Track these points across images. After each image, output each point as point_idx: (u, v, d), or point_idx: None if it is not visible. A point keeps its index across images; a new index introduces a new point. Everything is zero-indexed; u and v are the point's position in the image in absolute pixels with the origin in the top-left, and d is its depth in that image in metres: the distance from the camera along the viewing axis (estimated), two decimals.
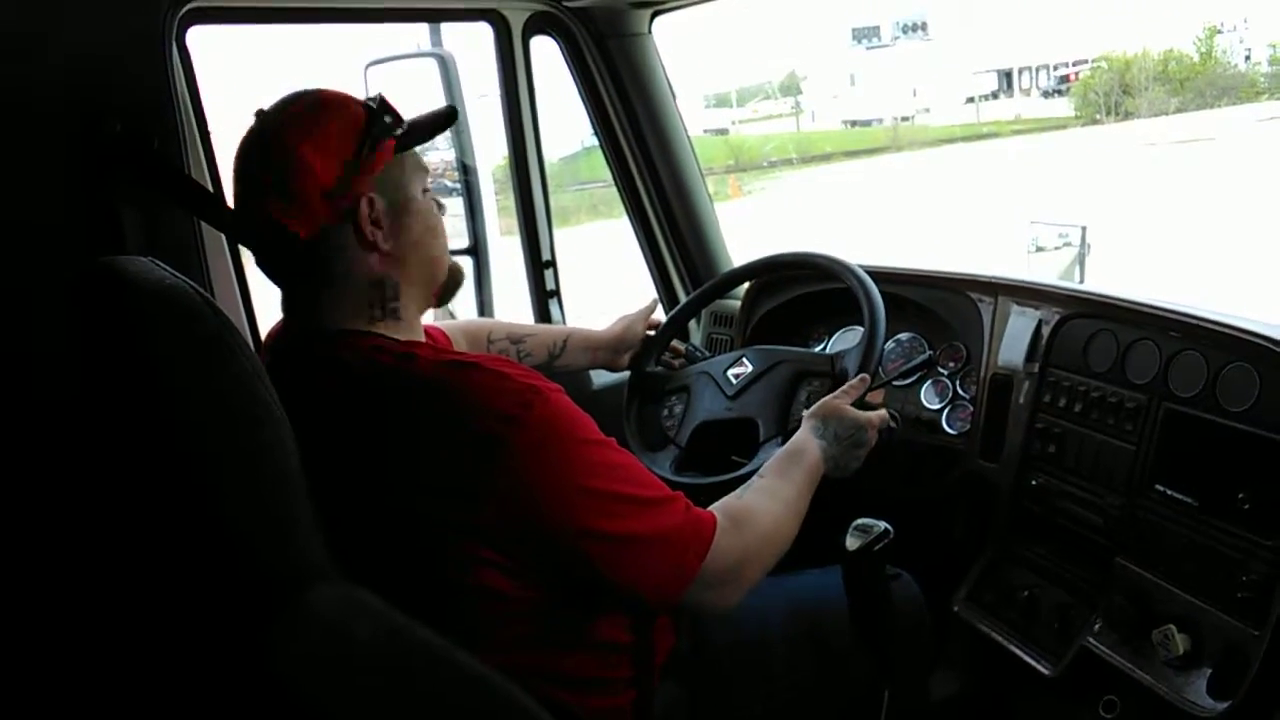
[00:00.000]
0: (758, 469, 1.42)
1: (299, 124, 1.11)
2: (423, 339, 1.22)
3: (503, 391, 1.07)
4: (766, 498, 1.29)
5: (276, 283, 1.19)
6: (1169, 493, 1.36)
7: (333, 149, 1.10)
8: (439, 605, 1.04)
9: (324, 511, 0.96)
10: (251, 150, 1.13)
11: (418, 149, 1.22)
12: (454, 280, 1.28)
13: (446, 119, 1.25)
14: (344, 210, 1.11)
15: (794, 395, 1.62)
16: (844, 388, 1.49)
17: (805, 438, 1.41)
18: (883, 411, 1.48)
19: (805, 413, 1.47)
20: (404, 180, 1.17)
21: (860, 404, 1.49)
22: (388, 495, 1.08)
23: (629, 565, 1.11)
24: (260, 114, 1.14)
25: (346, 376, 1.12)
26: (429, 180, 1.23)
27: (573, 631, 1.18)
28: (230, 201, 1.16)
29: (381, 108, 1.16)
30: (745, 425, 1.64)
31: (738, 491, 1.29)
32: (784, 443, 1.52)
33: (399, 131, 1.17)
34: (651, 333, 1.84)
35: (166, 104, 1.48)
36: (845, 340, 1.99)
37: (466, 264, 2.25)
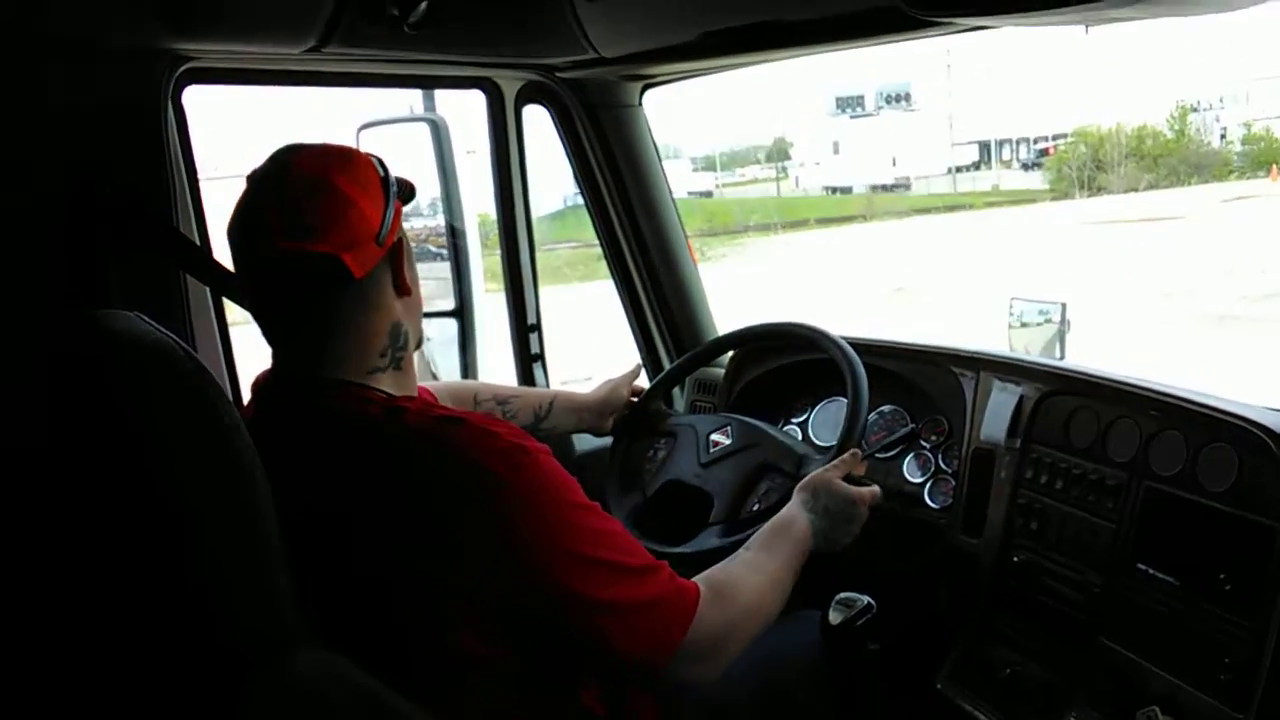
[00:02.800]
0: (690, 553, 1.43)
1: (341, 167, 1.12)
2: (415, 395, 1.22)
3: (492, 450, 1.06)
4: (751, 571, 1.28)
5: (275, 330, 1.17)
6: (1150, 572, 1.36)
7: (372, 192, 1.13)
8: (416, 670, 1.03)
9: (304, 568, 0.95)
10: (291, 186, 1.10)
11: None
12: (420, 335, 1.29)
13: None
14: (387, 252, 1.14)
15: (754, 486, 1.63)
16: (836, 461, 1.49)
17: (795, 511, 1.41)
18: (875, 488, 1.48)
19: (797, 485, 1.46)
20: (399, 229, 1.18)
21: (852, 480, 1.49)
22: (370, 550, 1.07)
23: (611, 632, 1.10)
24: (290, 152, 1.14)
25: (334, 427, 1.11)
26: None
27: (552, 703, 1.16)
28: (233, 239, 1.14)
29: (380, 162, 1.19)
30: (705, 499, 1.64)
31: (723, 564, 1.28)
32: (726, 531, 1.53)
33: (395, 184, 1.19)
34: (635, 399, 1.84)
35: (160, 160, 1.50)
36: (828, 411, 2.00)
37: (452, 326, 2.26)
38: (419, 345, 1.26)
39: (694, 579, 1.20)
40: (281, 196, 1.10)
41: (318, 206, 1.08)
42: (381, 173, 1.16)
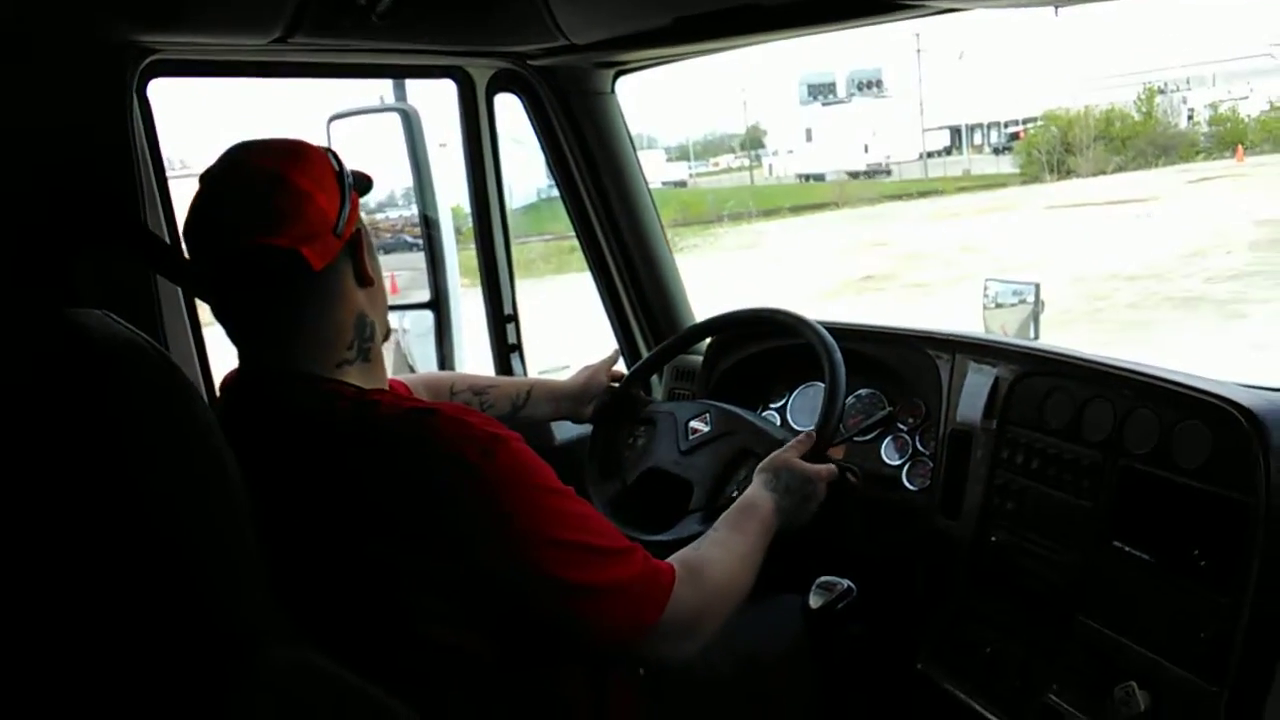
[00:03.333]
0: (670, 540, 1.44)
1: (295, 161, 1.11)
2: (386, 388, 1.21)
3: (464, 439, 1.06)
4: (722, 550, 1.29)
5: (239, 328, 1.16)
6: (1126, 549, 1.38)
7: (327, 185, 1.12)
8: (393, 662, 1.03)
9: (279, 563, 0.95)
10: (247, 183, 1.10)
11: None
12: (387, 328, 1.29)
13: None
14: (346, 243, 1.13)
15: (733, 473, 1.64)
16: (792, 442, 1.51)
17: (757, 491, 1.43)
18: (831, 465, 1.50)
19: (757, 467, 1.48)
20: (358, 220, 1.18)
21: (811, 459, 1.50)
22: (343, 543, 1.06)
23: (587, 615, 1.10)
24: (243, 149, 1.14)
25: (305, 422, 1.11)
26: None
27: (532, 691, 1.16)
28: (189, 239, 1.14)
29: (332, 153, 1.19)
30: (685, 486, 1.65)
31: (694, 544, 1.30)
32: (706, 518, 1.54)
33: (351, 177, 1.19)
34: (614, 385, 1.84)
35: (126, 155, 1.48)
36: (806, 396, 2.01)
37: (428, 318, 2.24)
38: (386, 337, 1.25)
39: (667, 559, 1.21)
40: (237, 193, 1.10)
41: (273, 201, 1.08)
42: (336, 166, 1.16)
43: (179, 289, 1.58)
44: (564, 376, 1.87)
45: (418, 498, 1.04)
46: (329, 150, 1.18)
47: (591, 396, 1.82)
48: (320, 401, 1.11)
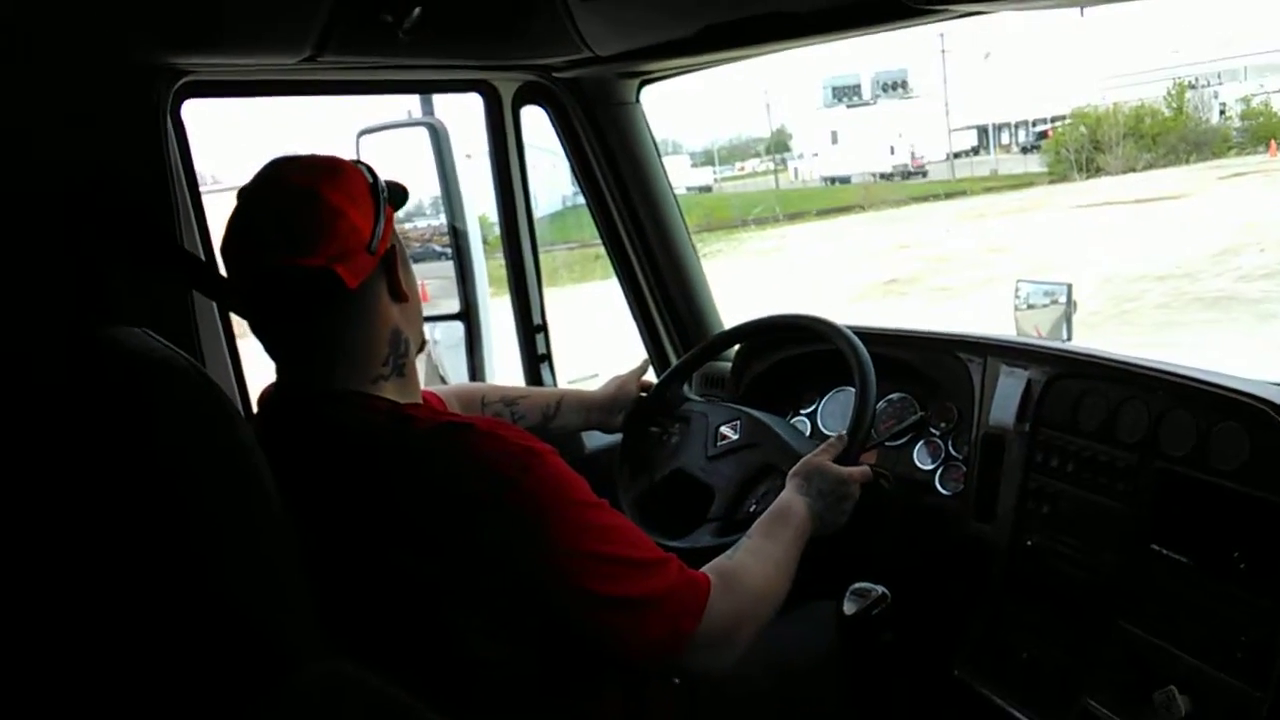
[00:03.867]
0: (683, 548, 1.46)
1: (329, 178, 1.12)
2: (420, 401, 1.22)
3: (500, 454, 1.07)
4: (756, 558, 1.29)
5: (275, 344, 1.17)
6: (1164, 552, 1.36)
7: (361, 201, 1.12)
8: (431, 676, 1.03)
9: (317, 577, 0.96)
10: (280, 200, 1.11)
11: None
12: (421, 340, 1.29)
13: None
14: (380, 260, 1.13)
15: (754, 487, 1.63)
16: (822, 446, 1.50)
17: (790, 496, 1.42)
18: (865, 467, 1.49)
19: (790, 471, 1.47)
20: (393, 234, 1.19)
21: (842, 463, 1.49)
22: (382, 559, 1.07)
23: (625, 628, 1.10)
24: (278, 166, 1.14)
25: (342, 438, 1.12)
26: None
27: (570, 705, 1.16)
28: (227, 256, 1.15)
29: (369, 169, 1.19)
30: (707, 492, 1.65)
31: (728, 552, 1.29)
32: (721, 530, 1.55)
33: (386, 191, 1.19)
34: (644, 394, 1.84)
35: (161, 175, 1.50)
36: (837, 401, 2.00)
37: (458, 329, 2.26)
38: (421, 349, 1.26)
39: (702, 569, 1.21)
40: (271, 211, 1.10)
41: (306, 219, 1.08)
42: (370, 180, 1.16)
43: (214, 306, 1.60)
44: (593, 386, 1.87)
45: (455, 513, 1.05)
46: (363, 165, 1.19)
47: (621, 406, 1.82)
48: (357, 417, 1.12)
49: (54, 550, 1.01)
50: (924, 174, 30.17)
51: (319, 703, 0.88)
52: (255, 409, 1.25)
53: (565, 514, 1.08)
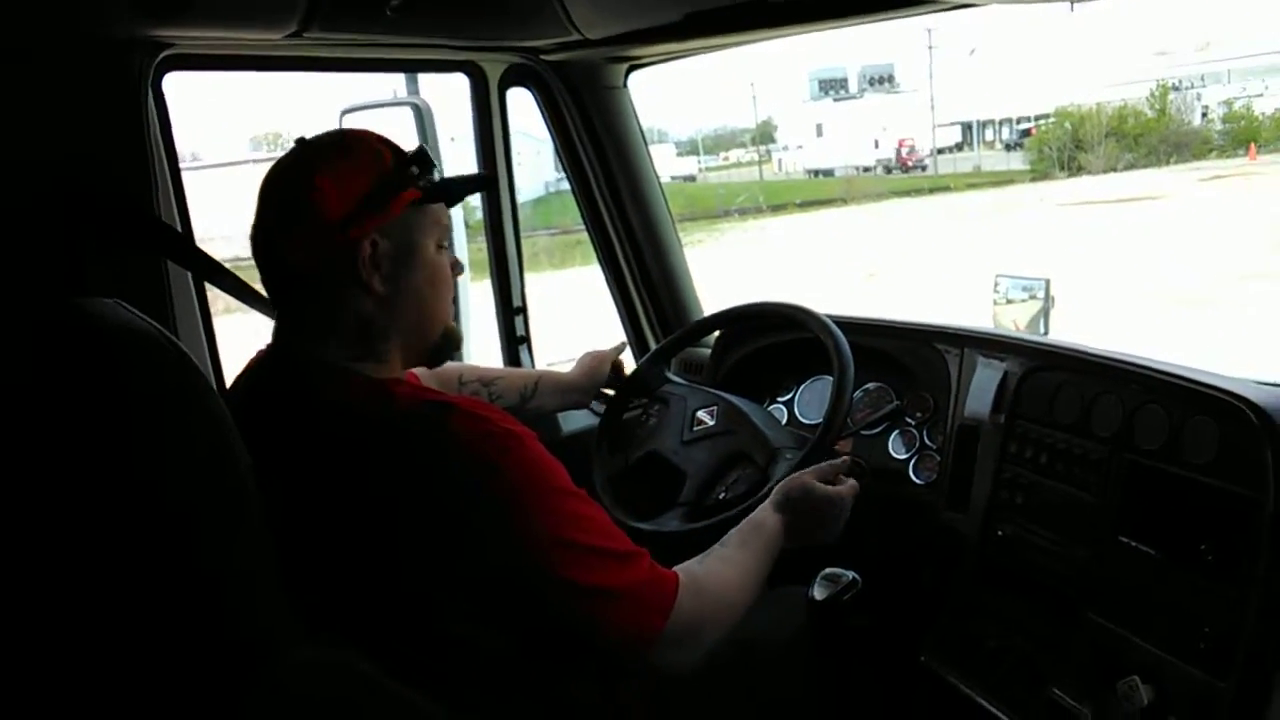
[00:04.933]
0: (648, 530, 1.51)
1: (324, 156, 1.14)
2: (402, 378, 1.22)
3: (482, 435, 1.07)
4: (725, 565, 1.31)
5: (277, 310, 1.21)
6: (1133, 544, 1.38)
7: (349, 185, 1.11)
8: (407, 656, 1.03)
9: (296, 555, 0.95)
10: (276, 174, 1.15)
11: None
12: (448, 342, 1.27)
13: (479, 183, 1.26)
14: (347, 245, 1.12)
15: (725, 474, 1.64)
16: (815, 467, 1.49)
17: (766, 511, 1.43)
18: (853, 481, 1.49)
19: (776, 484, 1.47)
20: (416, 229, 1.17)
21: (816, 454, 1.52)
22: (357, 534, 1.07)
23: (597, 617, 1.11)
24: (298, 143, 1.17)
25: (321, 409, 1.12)
26: (447, 238, 1.24)
27: (545, 688, 1.17)
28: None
29: (413, 159, 1.18)
30: (679, 476, 1.66)
31: (699, 556, 1.31)
32: (689, 515, 1.57)
33: (423, 184, 1.17)
34: (615, 376, 1.87)
35: (141, 149, 1.49)
36: (814, 389, 2.01)
37: None
38: (448, 350, 1.27)
39: (674, 568, 1.22)
40: (266, 187, 1.15)
41: (282, 189, 1.14)
42: (384, 165, 1.15)
43: (190, 279, 1.59)
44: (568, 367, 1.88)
45: (435, 493, 1.05)
46: (399, 151, 1.17)
47: (596, 387, 1.84)
48: (336, 387, 1.12)
49: (17, 527, 1.00)
50: (923, 168, 29.95)
51: (302, 691, 0.88)
52: (239, 376, 1.26)
53: (543, 500, 1.09)
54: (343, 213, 1.10)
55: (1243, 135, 23.98)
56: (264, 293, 1.21)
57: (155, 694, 0.88)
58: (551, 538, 1.08)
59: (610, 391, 1.87)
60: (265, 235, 1.14)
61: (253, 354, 1.24)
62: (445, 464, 1.06)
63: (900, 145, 30.48)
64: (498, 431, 1.08)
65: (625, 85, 2.24)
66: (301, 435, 1.11)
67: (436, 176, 1.21)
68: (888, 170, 30.30)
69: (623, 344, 1.91)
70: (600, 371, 1.84)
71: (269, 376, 1.19)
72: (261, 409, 1.10)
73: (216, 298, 1.66)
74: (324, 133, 1.18)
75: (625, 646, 1.15)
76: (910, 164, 30.26)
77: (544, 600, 1.09)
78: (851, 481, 1.49)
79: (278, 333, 1.20)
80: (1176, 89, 26.39)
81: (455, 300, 2.24)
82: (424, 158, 1.19)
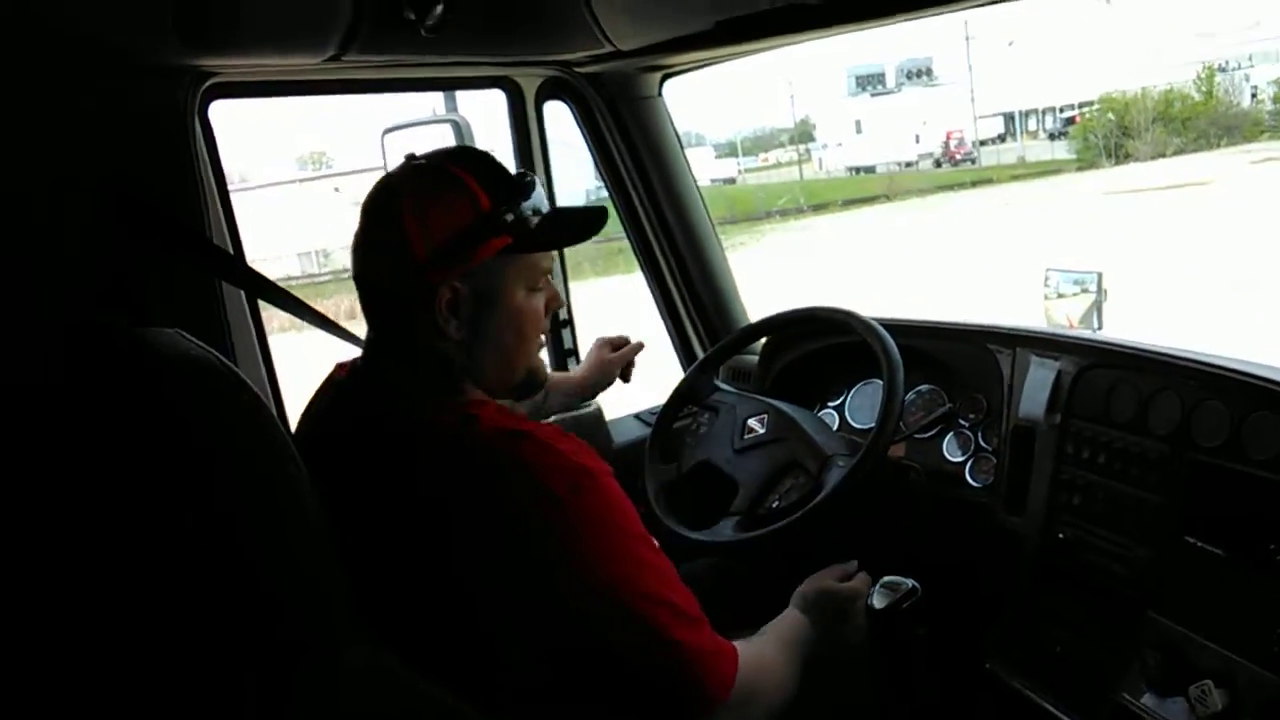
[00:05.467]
0: (704, 541, 1.52)
1: (415, 191, 1.13)
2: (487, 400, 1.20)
3: (555, 469, 1.06)
4: (774, 649, 1.30)
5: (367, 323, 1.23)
6: (1198, 544, 1.35)
7: (436, 228, 1.10)
8: (465, 678, 1.04)
9: (363, 569, 0.97)
10: (378, 191, 1.17)
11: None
12: (533, 380, 1.25)
13: (585, 229, 1.24)
14: (426, 288, 1.11)
15: (778, 483, 1.63)
16: (832, 568, 1.48)
17: (792, 611, 1.41)
18: (865, 574, 1.47)
19: (797, 590, 1.46)
20: (501, 276, 1.15)
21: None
22: (426, 556, 1.08)
23: (654, 666, 1.10)
24: (399, 168, 1.18)
25: (400, 428, 1.13)
26: (543, 279, 1.20)
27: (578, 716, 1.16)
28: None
29: (511, 198, 1.13)
30: (731, 485, 1.66)
31: (747, 640, 1.29)
32: (742, 524, 1.57)
33: (517, 228, 1.14)
34: (625, 379, 1.86)
35: (189, 174, 1.52)
36: (864, 394, 1.99)
37: None
38: (532, 389, 1.27)
39: (733, 642, 1.20)
40: (369, 203, 1.16)
41: (373, 218, 1.15)
42: (485, 211, 1.12)
43: (245, 304, 1.62)
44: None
45: (503, 523, 1.05)
46: (486, 192, 1.13)
47: (602, 388, 1.87)
48: (417, 408, 1.13)
49: (91, 551, 1.03)
50: (972, 160, 29.41)
51: (354, 690, 0.89)
52: (320, 386, 1.28)
53: (612, 542, 1.08)
54: (426, 254, 1.10)
55: None
56: (319, 310, 1.23)
57: (214, 692, 0.90)
58: (614, 580, 1.07)
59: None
60: (361, 252, 1.16)
61: (331, 368, 1.26)
62: (514, 495, 1.05)
63: (948, 137, 30.09)
64: (570, 466, 1.07)
65: (660, 94, 2.24)
66: (378, 451, 1.12)
67: (539, 210, 1.17)
68: (937, 164, 29.90)
69: (639, 345, 1.90)
70: (607, 374, 1.85)
71: (353, 391, 1.21)
72: (340, 424, 1.14)
73: (271, 316, 1.69)
74: (426, 163, 1.17)
75: (680, 703, 1.13)
76: (959, 156, 29.85)
77: (600, 640, 1.08)
78: (864, 574, 1.47)
79: (368, 347, 1.22)
80: (1223, 70, 25.78)
81: None
82: (524, 193, 1.15)
